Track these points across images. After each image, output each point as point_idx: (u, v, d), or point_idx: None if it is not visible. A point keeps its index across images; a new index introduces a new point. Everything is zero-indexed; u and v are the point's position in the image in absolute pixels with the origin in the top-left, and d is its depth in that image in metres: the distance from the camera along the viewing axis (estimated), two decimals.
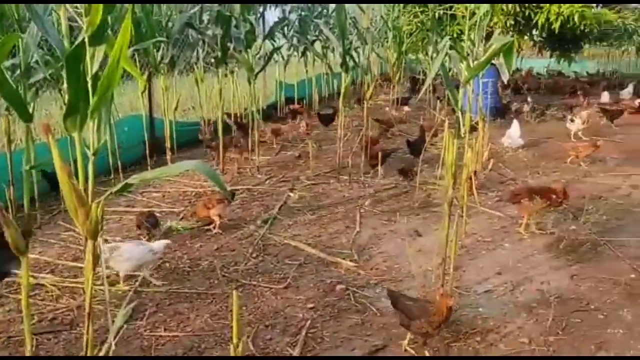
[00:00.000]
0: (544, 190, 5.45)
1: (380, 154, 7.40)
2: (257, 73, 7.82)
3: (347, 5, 7.29)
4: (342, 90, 7.35)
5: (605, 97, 14.92)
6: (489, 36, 5.21)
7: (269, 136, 9.74)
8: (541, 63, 23.00)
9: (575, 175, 7.71)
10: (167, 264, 4.85)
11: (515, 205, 5.63)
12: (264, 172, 7.95)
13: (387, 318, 3.90)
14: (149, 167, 7.11)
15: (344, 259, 4.94)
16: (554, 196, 5.32)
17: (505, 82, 15.34)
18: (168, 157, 7.47)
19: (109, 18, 2.36)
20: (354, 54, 9.76)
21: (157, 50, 7.44)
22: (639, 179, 7.47)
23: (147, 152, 7.59)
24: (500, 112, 12.35)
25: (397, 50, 11.83)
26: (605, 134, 10.12)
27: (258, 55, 9.18)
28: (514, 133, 9.57)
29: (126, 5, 5.04)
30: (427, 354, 3.47)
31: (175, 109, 8.23)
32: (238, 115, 10.14)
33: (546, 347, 3.53)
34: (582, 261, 4.84)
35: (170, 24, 7.43)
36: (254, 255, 5.07)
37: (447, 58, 4.61)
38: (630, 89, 16.04)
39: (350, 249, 5.18)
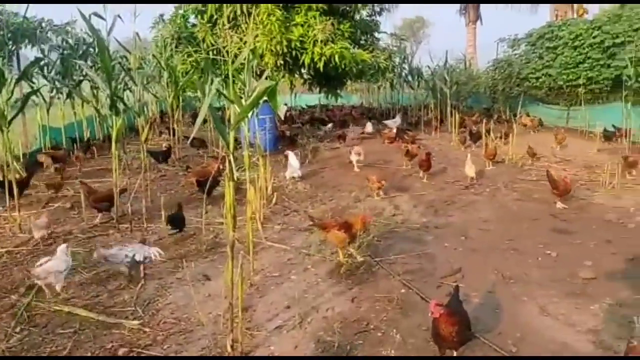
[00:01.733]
0: (349, 222, 5.71)
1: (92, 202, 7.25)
2: (12, 119, 6.89)
3: (112, 45, 6.90)
4: (114, 134, 6.87)
5: (369, 127, 16.71)
6: (263, 74, 5.40)
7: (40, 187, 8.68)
8: (313, 99, 24.96)
9: (348, 201, 8.40)
10: None
11: (325, 235, 5.79)
12: (27, 229, 6.97)
13: None
14: None
15: (126, 318, 4.54)
16: (357, 226, 5.63)
17: (283, 118, 16.36)
18: None
19: None
20: (128, 94, 9.29)
21: None
22: (400, 200, 8.46)
23: None
24: (292, 142, 13.40)
25: (173, 90, 11.61)
26: (372, 162, 11.27)
27: (13, 99, 8.13)
28: (294, 164, 10.06)
29: None
30: None
31: None
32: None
33: None
34: (361, 283, 5.21)
35: None
36: (18, 329, 4.37)
37: (222, 98, 4.62)
38: (397, 118, 18.18)
39: (134, 305, 4.78)
